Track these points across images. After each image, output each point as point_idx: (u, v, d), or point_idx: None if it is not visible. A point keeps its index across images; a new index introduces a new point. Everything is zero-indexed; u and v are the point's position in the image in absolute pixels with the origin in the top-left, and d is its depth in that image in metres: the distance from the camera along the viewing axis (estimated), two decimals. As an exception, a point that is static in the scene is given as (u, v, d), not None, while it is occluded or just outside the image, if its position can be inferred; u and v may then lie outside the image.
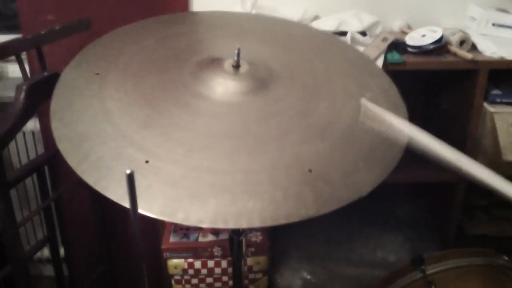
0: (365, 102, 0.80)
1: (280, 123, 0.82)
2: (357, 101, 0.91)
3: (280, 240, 1.57)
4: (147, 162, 0.71)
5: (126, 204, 0.65)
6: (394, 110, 0.92)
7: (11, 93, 1.66)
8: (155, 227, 1.64)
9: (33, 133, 1.80)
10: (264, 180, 0.70)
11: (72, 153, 0.72)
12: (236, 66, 0.89)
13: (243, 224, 0.65)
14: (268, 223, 0.65)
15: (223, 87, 0.86)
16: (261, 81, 0.89)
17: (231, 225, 0.64)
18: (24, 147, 1.82)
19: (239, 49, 0.87)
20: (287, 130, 0.80)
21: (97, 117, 0.78)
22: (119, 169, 0.69)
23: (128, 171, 0.54)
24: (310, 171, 0.73)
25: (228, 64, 0.89)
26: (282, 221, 0.66)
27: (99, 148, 0.73)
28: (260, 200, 0.67)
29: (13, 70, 1.85)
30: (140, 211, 0.63)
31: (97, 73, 0.89)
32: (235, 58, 0.88)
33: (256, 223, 0.65)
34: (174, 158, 0.71)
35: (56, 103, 0.82)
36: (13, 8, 1.87)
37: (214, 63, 0.91)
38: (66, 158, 0.71)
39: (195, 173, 0.70)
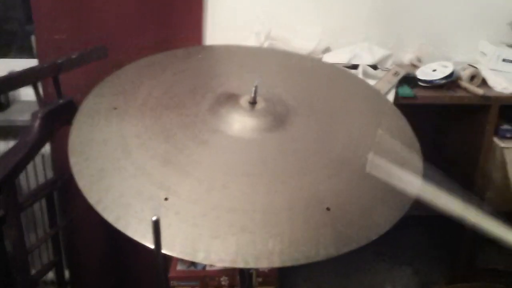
0: (372, 158, 0.81)
1: (297, 161, 0.82)
2: (372, 139, 0.91)
3: (288, 271, 1.56)
4: (166, 199, 0.71)
5: (147, 243, 0.65)
6: (407, 147, 0.93)
7: (24, 117, 1.69)
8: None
9: (42, 156, 1.80)
10: (283, 220, 0.70)
11: (92, 190, 0.72)
12: (253, 103, 0.89)
13: (263, 264, 0.65)
14: (288, 263, 0.65)
15: (240, 123, 0.86)
16: (277, 118, 0.90)
17: (252, 265, 0.64)
18: (33, 169, 1.82)
19: (256, 86, 0.88)
20: (305, 168, 0.81)
21: (116, 153, 0.79)
22: (139, 207, 0.70)
23: (154, 218, 0.54)
24: (328, 209, 0.73)
25: (244, 100, 0.90)
26: (302, 261, 0.66)
27: (119, 185, 0.73)
28: (280, 241, 0.67)
29: (25, 93, 1.86)
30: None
31: (115, 108, 0.90)
32: (252, 95, 0.89)
33: (277, 263, 0.65)
34: (194, 197, 0.72)
35: (75, 138, 0.82)
36: (25, 29, 1.89)
37: (231, 99, 0.91)
38: (85, 195, 0.71)
39: (215, 212, 0.70)
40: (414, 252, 1.62)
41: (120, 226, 0.68)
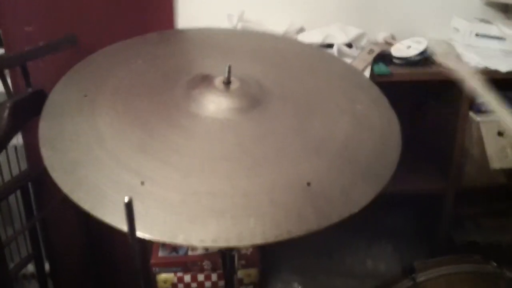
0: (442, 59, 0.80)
1: (276, 142, 0.82)
2: (348, 116, 0.91)
3: (270, 252, 1.56)
4: (142, 183, 0.70)
5: (125, 228, 0.64)
6: (386, 121, 0.93)
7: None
8: (143, 241, 1.62)
9: (15, 148, 1.76)
10: (265, 202, 0.70)
11: (66, 180, 0.71)
12: (227, 83, 0.88)
13: (245, 242, 0.64)
14: (271, 239, 0.65)
15: (215, 104, 0.85)
16: (253, 98, 0.89)
17: (233, 243, 0.64)
18: (6, 162, 1.78)
19: (230, 66, 0.86)
20: (283, 149, 0.80)
21: (89, 142, 0.77)
22: (115, 194, 0.69)
23: (126, 199, 0.53)
24: (308, 184, 0.73)
25: (218, 81, 0.89)
26: (284, 237, 0.66)
27: (94, 174, 0.72)
28: (261, 219, 0.67)
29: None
30: (140, 234, 0.62)
31: (85, 95, 0.87)
32: (226, 75, 0.87)
33: (259, 240, 0.65)
34: (171, 183, 0.71)
35: (46, 128, 0.80)
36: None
37: (205, 80, 0.90)
38: (60, 185, 0.70)
39: (194, 197, 0.69)
40: (393, 229, 1.64)
41: (97, 213, 0.67)
